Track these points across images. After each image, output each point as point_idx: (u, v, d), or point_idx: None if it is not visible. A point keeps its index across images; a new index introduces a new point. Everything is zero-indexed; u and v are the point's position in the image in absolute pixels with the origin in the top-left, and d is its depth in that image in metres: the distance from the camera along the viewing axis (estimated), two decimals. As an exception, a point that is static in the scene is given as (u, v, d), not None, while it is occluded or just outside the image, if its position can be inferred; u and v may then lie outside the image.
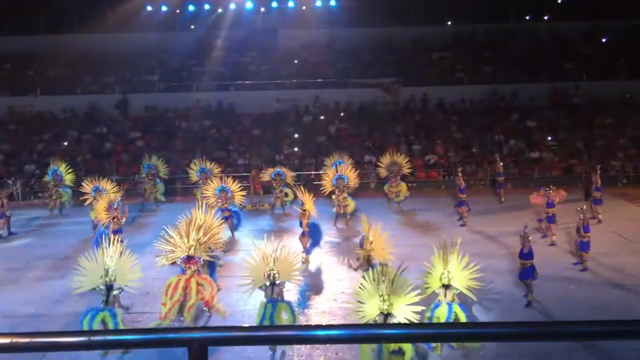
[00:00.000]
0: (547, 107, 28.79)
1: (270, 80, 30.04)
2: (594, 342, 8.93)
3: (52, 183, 20.63)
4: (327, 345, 9.66)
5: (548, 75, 29.67)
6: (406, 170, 20.75)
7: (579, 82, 29.22)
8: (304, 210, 15.16)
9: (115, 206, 15.50)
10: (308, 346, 9.88)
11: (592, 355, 9.72)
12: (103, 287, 10.22)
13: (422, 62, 31.22)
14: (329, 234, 17.27)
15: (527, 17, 33.77)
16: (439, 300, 10.03)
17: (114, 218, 15.06)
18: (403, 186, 20.48)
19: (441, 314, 9.78)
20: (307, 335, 1.97)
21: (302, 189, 16.37)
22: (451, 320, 9.58)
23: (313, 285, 13.24)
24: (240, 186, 18.29)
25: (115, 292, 10.29)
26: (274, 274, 10.20)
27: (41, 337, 1.91)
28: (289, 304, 10.39)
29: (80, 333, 1.90)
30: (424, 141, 26.96)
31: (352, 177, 19.03)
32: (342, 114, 28.99)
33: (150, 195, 21.26)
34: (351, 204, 18.50)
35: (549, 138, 26.95)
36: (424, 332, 2.10)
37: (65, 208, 20.84)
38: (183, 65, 31.15)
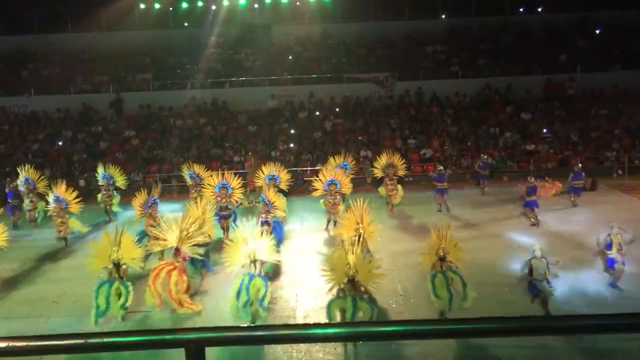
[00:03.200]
0: (541, 100, 28.85)
1: (265, 77, 30.00)
2: (590, 335, 8.96)
3: (26, 192, 19.11)
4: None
5: (542, 67, 29.70)
6: (402, 172, 20.35)
7: (573, 73, 29.26)
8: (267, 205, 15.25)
9: (150, 204, 15.47)
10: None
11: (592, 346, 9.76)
12: (111, 265, 11.56)
13: (417, 56, 31.23)
14: (321, 236, 17.19)
15: (521, 10, 33.78)
16: (434, 272, 11.05)
17: (149, 215, 15.21)
18: (400, 189, 19.97)
19: (439, 283, 10.81)
20: (305, 335, 1.97)
21: (270, 190, 16.27)
22: (447, 285, 10.77)
23: (308, 284, 13.22)
24: (240, 183, 17.82)
25: (123, 267, 11.65)
26: (254, 253, 11.03)
27: (38, 341, 1.91)
28: (265, 280, 11.11)
29: (77, 336, 1.89)
30: (419, 135, 26.97)
31: (345, 183, 17.99)
32: (337, 109, 28.97)
33: (104, 205, 19.74)
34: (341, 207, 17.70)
35: (544, 130, 26.99)
36: (420, 329, 2.10)
37: (40, 219, 19.06)
38: (177, 63, 31.07)
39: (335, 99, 29.21)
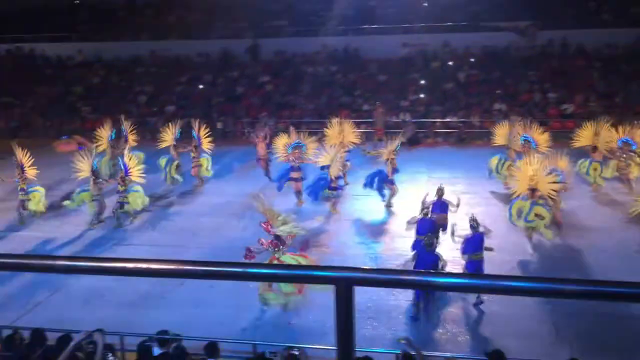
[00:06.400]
0: None
1: (397, 25, 29.36)
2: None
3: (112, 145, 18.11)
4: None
5: None
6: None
7: None
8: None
9: (292, 146, 15.40)
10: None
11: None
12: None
13: (562, 3, 28.87)
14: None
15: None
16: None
17: (291, 156, 15.25)
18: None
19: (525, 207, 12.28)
20: (454, 283, 1.98)
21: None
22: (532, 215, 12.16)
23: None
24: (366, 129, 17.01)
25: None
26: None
27: (180, 265, 2.03)
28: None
29: (236, 264, 2.00)
30: (560, 89, 25.26)
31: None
32: (472, 60, 27.80)
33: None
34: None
35: None
36: (547, 287, 2.03)
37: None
38: (311, 10, 31.19)
39: (471, 49, 27.98)
